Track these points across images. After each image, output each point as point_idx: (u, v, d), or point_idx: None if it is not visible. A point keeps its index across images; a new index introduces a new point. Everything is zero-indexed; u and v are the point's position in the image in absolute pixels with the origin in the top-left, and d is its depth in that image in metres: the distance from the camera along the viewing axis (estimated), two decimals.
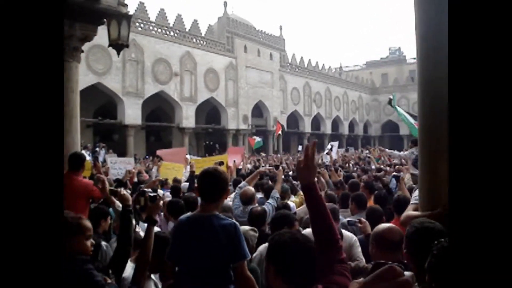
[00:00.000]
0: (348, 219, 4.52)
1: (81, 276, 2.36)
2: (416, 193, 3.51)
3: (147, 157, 23.48)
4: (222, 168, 8.15)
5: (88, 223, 2.57)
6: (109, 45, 6.31)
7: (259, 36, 36.20)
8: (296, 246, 1.81)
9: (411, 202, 4.28)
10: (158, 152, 12.33)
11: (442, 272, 1.72)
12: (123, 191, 3.09)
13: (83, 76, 8.22)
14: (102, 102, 26.59)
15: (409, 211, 3.21)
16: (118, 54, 6.46)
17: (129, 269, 2.90)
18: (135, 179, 7.84)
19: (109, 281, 2.58)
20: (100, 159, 14.78)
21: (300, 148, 42.24)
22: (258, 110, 36.52)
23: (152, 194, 2.82)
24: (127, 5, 6.68)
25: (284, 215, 3.85)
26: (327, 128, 44.41)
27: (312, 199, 2.05)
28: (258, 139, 27.27)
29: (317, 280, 1.83)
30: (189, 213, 3.21)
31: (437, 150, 2.90)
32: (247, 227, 3.66)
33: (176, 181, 7.99)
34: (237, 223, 2.90)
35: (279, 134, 28.39)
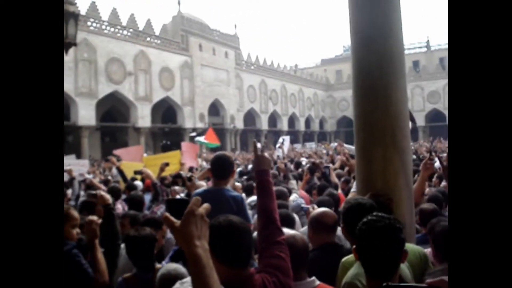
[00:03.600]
0: (303, 205, 5.04)
1: (66, 259, 2.68)
2: (355, 183, 3.93)
3: (108, 158, 22.94)
4: (175, 165, 8.33)
5: (75, 213, 2.97)
6: None
7: (214, 35, 36.23)
8: (227, 228, 1.85)
9: (351, 190, 4.58)
10: (116, 152, 12.12)
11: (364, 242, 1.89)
12: (101, 192, 3.46)
13: None
14: None
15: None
16: (66, 52, 6.41)
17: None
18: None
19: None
20: None
21: (259, 145, 42.40)
22: (215, 108, 36.56)
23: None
24: (76, 3, 6.64)
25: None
26: (283, 125, 44.88)
27: (261, 182, 2.21)
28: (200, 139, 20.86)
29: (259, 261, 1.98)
30: (205, 187, 4.06)
31: (371, 138, 3.15)
32: None
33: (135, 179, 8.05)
34: (243, 195, 3.98)
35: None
